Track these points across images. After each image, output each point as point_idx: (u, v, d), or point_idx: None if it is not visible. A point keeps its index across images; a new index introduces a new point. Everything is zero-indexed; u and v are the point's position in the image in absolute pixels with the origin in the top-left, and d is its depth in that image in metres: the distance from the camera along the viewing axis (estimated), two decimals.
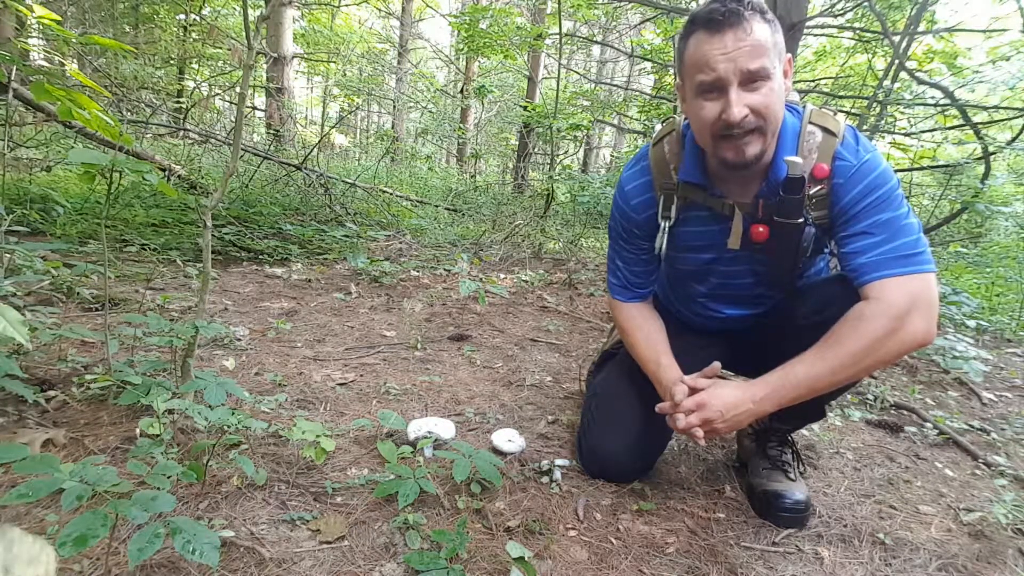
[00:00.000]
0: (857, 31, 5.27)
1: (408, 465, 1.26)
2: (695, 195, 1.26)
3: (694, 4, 6.11)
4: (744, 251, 1.26)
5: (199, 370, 1.43)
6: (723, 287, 1.37)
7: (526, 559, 1.05)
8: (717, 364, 1.22)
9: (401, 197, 5.74)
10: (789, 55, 1.14)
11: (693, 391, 1.20)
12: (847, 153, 1.14)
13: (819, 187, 1.16)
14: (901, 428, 1.87)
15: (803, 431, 1.74)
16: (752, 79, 1.06)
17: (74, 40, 1.69)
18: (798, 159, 1.13)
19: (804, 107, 1.21)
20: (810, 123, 1.17)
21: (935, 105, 4.51)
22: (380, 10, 13.02)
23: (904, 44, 4.58)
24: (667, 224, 1.30)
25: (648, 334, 1.41)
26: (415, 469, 1.22)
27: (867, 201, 1.12)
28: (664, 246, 1.32)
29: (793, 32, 3.37)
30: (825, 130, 1.16)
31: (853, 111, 4.91)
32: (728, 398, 1.15)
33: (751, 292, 1.35)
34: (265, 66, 7.54)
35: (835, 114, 1.20)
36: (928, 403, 2.17)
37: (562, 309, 3.05)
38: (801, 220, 1.16)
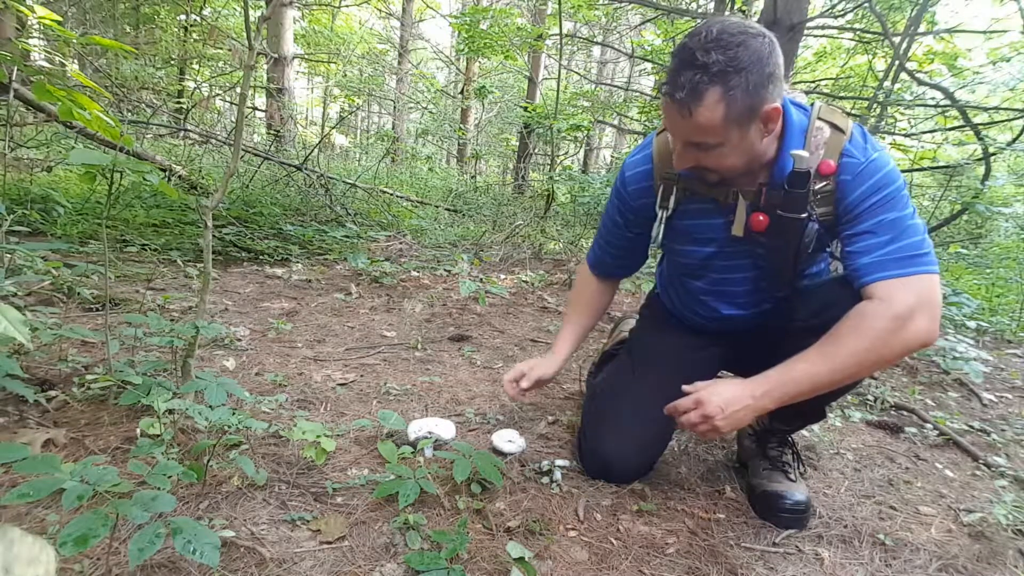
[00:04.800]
0: (857, 32, 5.27)
1: (408, 465, 1.26)
2: (698, 186, 1.26)
3: (694, 4, 6.12)
4: (744, 243, 1.25)
5: (200, 370, 1.44)
6: (722, 283, 1.36)
7: (526, 559, 1.05)
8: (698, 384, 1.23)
9: (401, 198, 5.75)
10: (774, 105, 1.06)
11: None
12: (855, 150, 1.13)
13: (825, 183, 1.15)
14: (901, 429, 1.87)
15: (803, 432, 1.74)
16: (699, 147, 1.10)
17: (75, 40, 1.69)
18: (804, 153, 1.12)
19: (813, 104, 1.20)
20: (819, 119, 1.16)
21: (935, 106, 4.51)
22: (380, 11, 13.02)
23: (904, 45, 4.59)
24: (664, 214, 1.30)
25: (580, 306, 1.59)
26: (415, 469, 1.22)
27: (873, 200, 1.11)
28: (661, 236, 1.32)
29: (793, 33, 3.37)
30: (833, 126, 1.16)
31: (853, 112, 4.91)
32: (727, 394, 1.14)
33: (749, 289, 1.35)
34: (266, 67, 7.54)
35: (845, 113, 1.20)
36: (928, 404, 2.17)
37: (562, 310, 3.05)
38: (805, 215, 1.16)
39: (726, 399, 1.14)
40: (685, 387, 1.21)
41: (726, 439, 1.66)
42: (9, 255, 1.85)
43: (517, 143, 8.89)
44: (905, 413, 2.01)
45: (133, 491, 0.90)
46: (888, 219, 1.10)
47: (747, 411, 1.14)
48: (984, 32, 4.91)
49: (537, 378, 1.49)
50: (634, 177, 1.35)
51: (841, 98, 5.43)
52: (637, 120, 7.59)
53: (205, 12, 9.13)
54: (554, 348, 1.56)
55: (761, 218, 1.19)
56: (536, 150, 7.96)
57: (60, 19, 1.61)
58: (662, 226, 1.31)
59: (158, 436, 1.24)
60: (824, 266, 1.38)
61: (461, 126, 10.47)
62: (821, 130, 1.16)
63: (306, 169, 4.67)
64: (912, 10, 4.58)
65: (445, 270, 3.63)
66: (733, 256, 1.31)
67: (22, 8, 1.72)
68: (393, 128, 12.83)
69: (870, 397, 2.08)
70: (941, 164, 4.84)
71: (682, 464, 1.52)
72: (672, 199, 1.28)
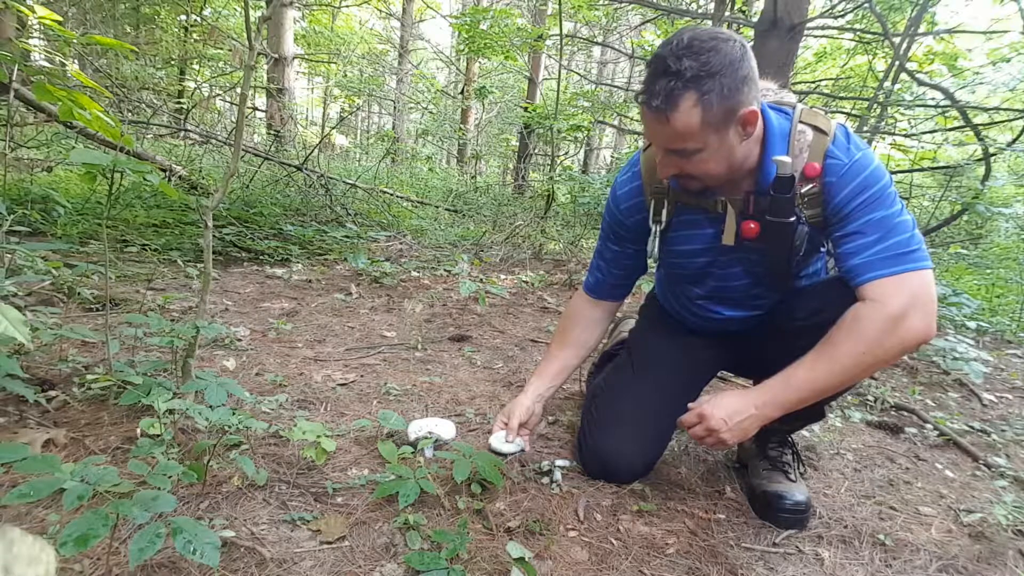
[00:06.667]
0: (857, 32, 5.27)
1: (408, 465, 1.26)
2: (687, 198, 1.27)
3: (694, 5, 6.12)
4: (738, 251, 1.26)
5: (200, 370, 1.44)
6: (720, 289, 1.37)
7: (526, 559, 1.05)
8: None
9: (402, 198, 5.75)
10: (751, 108, 1.06)
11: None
12: (838, 151, 1.14)
13: (811, 185, 1.16)
14: (901, 429, 1.87)
15: (803, 432, 1.74)
16: (680, 153, 1.10)
17: (75, 40, 1.69)
18: (786, 158, 1.12)
19: (794, 108, 1.20)
20: (800, 122, 1.17)
21: (935, 106, 4.52)
22: (381, 11, 13.03)
23: (904, 45, 4.59)
24: (658, 228, 1.31)
25: (566, 338, 1.52)
26: (415, 469, 1.22)
27: (859, 200, 1.11)
28: (656, 250, 1.33)
29: (793, 33, 3.38)
30: (816, 129, 1.16)
31: (853, 112, 4.91)
32: (730, 406, 1.15)
33: (748, 293, 1.35)
34: (266, 67, 7.55)
35: (826, 114, 1.20)
36: (928, 404, 2.17)
37: (562, 310, 3.04)
38: (793, 219, 1.16)
39: (729, 411, 1.14)
40: (690, 404, 1.22)
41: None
42: (9, 255, 1.85)
43: (517, 143, 8.88)
44: (905, 413, 2.01)
45: (133, 491, 0.90)
46: (875, 218, 1.10)
47: (751, 421, 1.15)
48: (984, 32, 4.91)
49: (519, 425, 1.41)
50: (625, 195, 1.37)
51: (841, 98, 5.44)
52: (637, 120, 7.59)
53: (205, 12, 9.14)
54: (527, 384, 1.50)
55: (752, 225, 1.20)
56: (536, 150, 7.96)
57: (60, 19, 1.61)
58: (657, 240, 1.32)
59: (158, 436, 1.24)
60: (821, 265, 1.38)
61: (461, 126, 10.47)
62: (804, 133, 1.16)
63: (306, 169, 4.67)
64: (912, 10, 4.59)
65: (445, 270, 3.63)
66: (728, 264, 1.31)
67: (22, 8, 1.72)
68: (393, 128, 12.83)
69: (870, 397, 2.08)
70: (941, 164, 4.85)
71: (682, 464, 1.52)
72: (664, 212, 1.29)
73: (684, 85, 1.01)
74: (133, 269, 2.75)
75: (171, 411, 1.29)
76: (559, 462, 1.42)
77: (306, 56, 11.34)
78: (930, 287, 1.08)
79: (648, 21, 6.69)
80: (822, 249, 1.31)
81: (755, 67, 1.07)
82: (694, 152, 1.09)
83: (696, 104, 1.03)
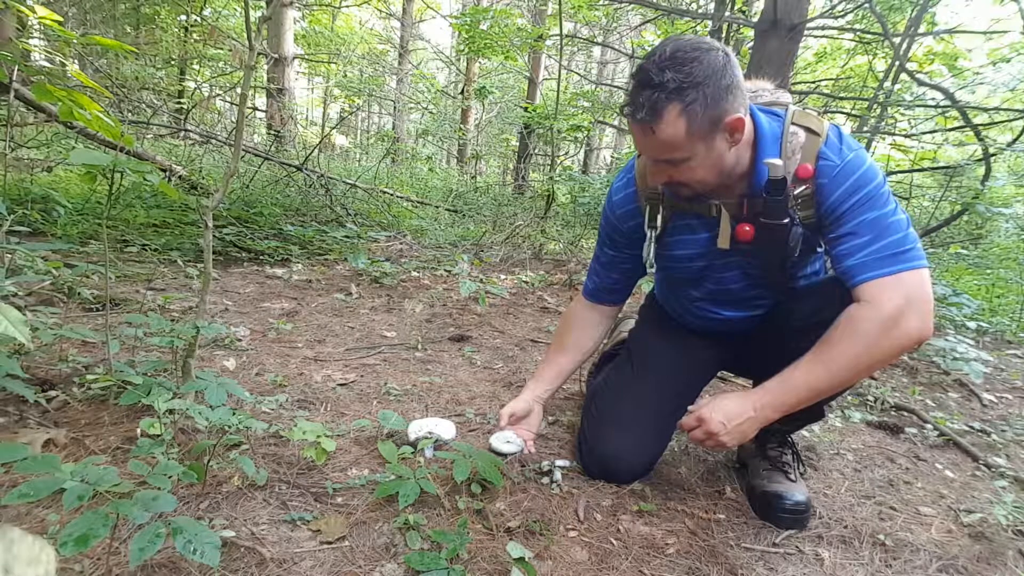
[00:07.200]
0: (857, 33, 5.28)
1: (409, 465, 1.26)
2: (681, 204, 1.27)
3: (694, 5, 6.13)
4: (734, 254, 1.26)
5: (200, 370, 1.43)
6: (718, 291, 1.37)
7: (526, 559, 1.05)
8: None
9: (402, 198, 5.75)
10: (738, 116, 1.06)
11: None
12: (831, 152, 1.14)
13: (804, 187, 1.16)
14: (901, 429, 1.87)
15: (803, 432, 1.74)
16: (669, 162, 1.11)
17: (75, 41, 1.69)
18: (778, 161, 1.12)
19: (786, 109, 1.20)
20: (792, 124, 1.17)
21: (936, 107, 4.52)
22: (380, 11, 13.03)
23: (904, 46, 4.59)
24: (653, 234, 1.31)
25: (564, 342, 1.54)
26: (416, 469, 1.22)
27: (852, 201, 1.11)
28: (652, 256, 1.33)
29: (793, 33, 3.38)
30: (808, 130, 1.16)
31: (853, 112, 4.91)
32: (729, 409, 1.15)
33: (746, 294, 1.36)
34: (266, 67, 7.55)
35: (820, 115, 1.20)
36: (928, 404, 2.17)
37: (562, 310, 3.05)
38: (787, 221, 1.16)
39: (728, 415, 1.14)
40: (689, 407, 1.23)
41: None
42: (9, 255, 1.85)
43: (517, 143, 8.88)
44: (905, 413, 2.01)
45: (133, 491, 0.90)
46: (869, 219, 1.10)
47: (750, 423, 1.15)
48: (984, 33, 4.92)
49: (510, 414, 1.45)
50: (620, 201, 1.37)
51: (841, 99, 5.44)
52: None
53: (205, 12, 9.13)
54: (524, 387, 1.53)
55: (747, 228, 1.20)
56: (536, 150, 7.97)
57: (61, 19, 1.61)
58: (652, 245, 1.32)
59: (158, 436, 1.24)
60: (819, 265, 1.38)
61: (461, 126, 10.47)
62: (796, 135, 1.16)
63: (306, 169, 4.67)
64: (912, 11, 4.59)
65: (445, 270, 3.63)
66: (724, 267, 1.32)
67: (23, 8, 1.72)
68: (393, 128, 12.83)
69: (870, 397, 2.08)
70: (941, 165, 4.86)
71: (682, 464, 1.52)
72: (659, 218, 1.30)
73: (667, 97, 1.02)
74: (133, 269, 2.75)
75: (171, 411, 1.29)
76: (559, 462, 1.42)
77: (306, 56, 11.33)
78: (925, 286, 1.08)
79: (648, 21, 6.69)
80: (819, 250, 1.31)
81: (740, 75, 1.07)
82: (682, 161, 1.09)
83: (680, 115, 1.03)
